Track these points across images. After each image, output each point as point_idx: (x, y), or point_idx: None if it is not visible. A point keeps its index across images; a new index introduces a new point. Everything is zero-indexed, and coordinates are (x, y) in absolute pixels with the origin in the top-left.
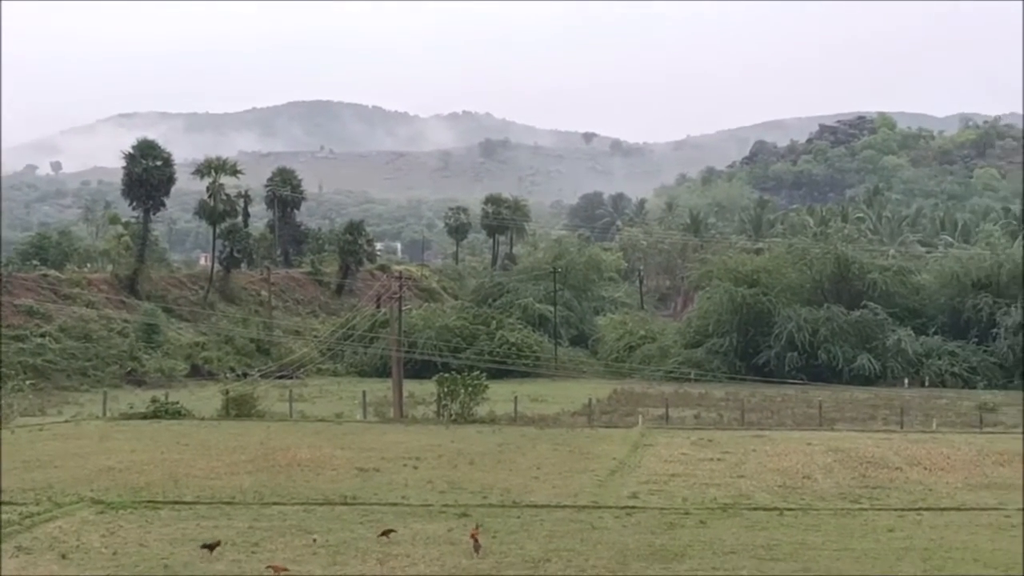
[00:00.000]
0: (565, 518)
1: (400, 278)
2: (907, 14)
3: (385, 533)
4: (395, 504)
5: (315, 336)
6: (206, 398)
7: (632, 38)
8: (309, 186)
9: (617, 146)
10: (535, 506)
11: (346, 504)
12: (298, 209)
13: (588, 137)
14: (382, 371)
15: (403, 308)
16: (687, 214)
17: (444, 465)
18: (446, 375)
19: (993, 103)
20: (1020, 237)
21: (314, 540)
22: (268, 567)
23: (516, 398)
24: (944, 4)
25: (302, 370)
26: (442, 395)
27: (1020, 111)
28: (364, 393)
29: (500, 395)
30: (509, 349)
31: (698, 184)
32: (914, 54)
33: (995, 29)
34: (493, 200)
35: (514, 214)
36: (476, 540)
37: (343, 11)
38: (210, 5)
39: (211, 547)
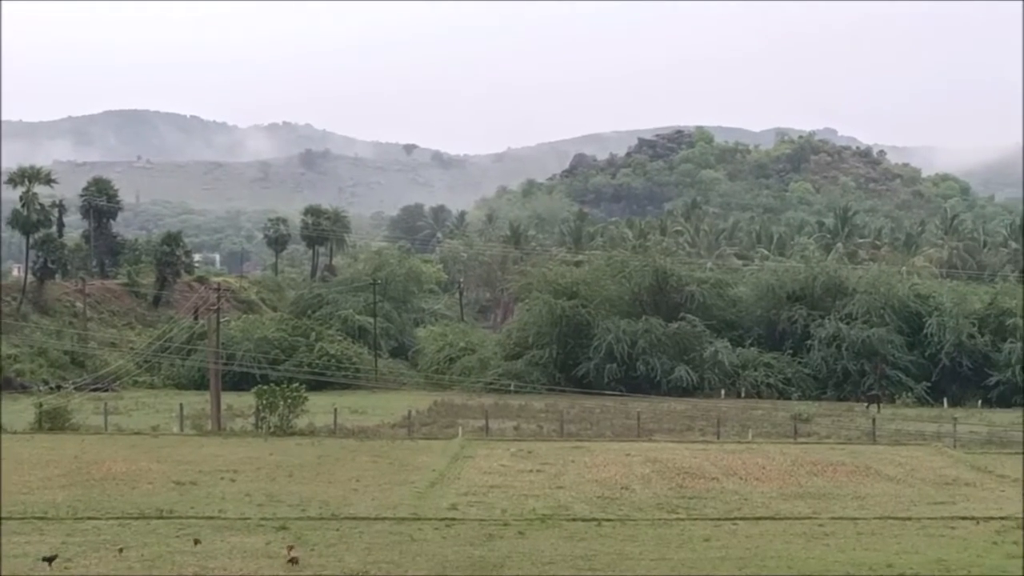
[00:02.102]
0: (384, 530)
1: (218, 289)
2: (722, 30)
3: (196, 541)
4: (212, 517)
5: (131, 348)
6: (19, 412)
7: (451, 49)
8: (126, 196)
9: (438, 158)
10: (354, 518)
11: (162, 518)
12: (114, 219)
13: (409, 149)
14: (200, 383)
15: (221, 320)
16: (507, 226)
17: (262, 478)
18: (265, 387)
19: (807, 119)
20: (833, 250)
21: (120, 550)
22: None
23: (336, 410)
24: (758, 21)
25: (118, 383)
26: (261, 407)
27: (833, 127)
28: (181, 406)
29: (320, 407)
30: (329, 361)
31: (518, 196)
32: (730, 69)
33: (810, 47)
34: (313, 211)
35: (334, 225)
36: (292, 554)
37: (159, 17)
38: (20, 6)
39: (50, 560)
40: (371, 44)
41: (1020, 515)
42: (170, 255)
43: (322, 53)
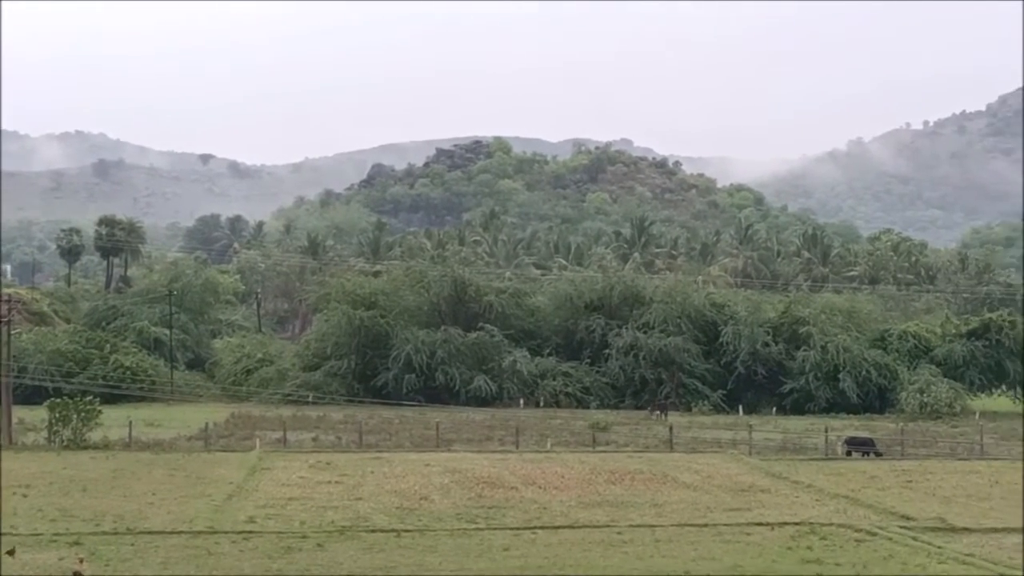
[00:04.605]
0: (180, 544)
1: (9, 301)
2: (517, 40)
3: (10, 552)
4: (4, 534)
5: None
6: None
7: (244, 56)
8: None
9: (235, 168)
10: (150, 532)
11: None
12: None
13: (205, 159)
14: None
15: (12, 332)
16: (305, 237)
17: (55, 492)
18: (58, 400)
19: (604, 130)
20: (630, 260)
21: None
22: None
23: (131, 423)
24: (553, 32)
25: None
26: (53, 421)
27: (629, 137)
28: None
29: (115, 420)
30: (124, 373)
31: (316, 207)
32: (527, 81)
33: (606, 59)
34: (107, 221)
35: (129, 236)
36: (77, 568)
37: None
38: None
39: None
40: (163, 50)
41: (813, 520)
42: None
43: (115, 58)
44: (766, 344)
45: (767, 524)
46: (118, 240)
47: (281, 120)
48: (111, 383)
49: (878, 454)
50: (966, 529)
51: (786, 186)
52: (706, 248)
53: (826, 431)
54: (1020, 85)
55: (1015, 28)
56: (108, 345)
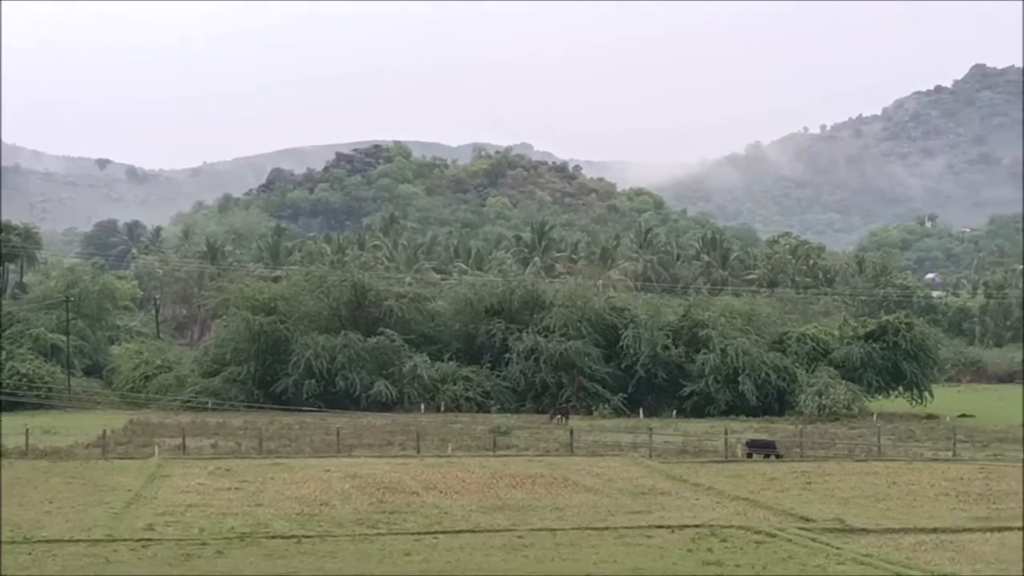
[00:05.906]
0: (79, 552)
1: None
2: (415, 48)
3: None
4: None
5: None
6: None
7: (138, 61)
8: None
9: (132, 173)
10: (47, 541)
11: None
12: None
13: (102, 163)
14: None
15: None
16: (204, 242)
17: None
18: None
19: (503, 134)
20: (531, 264)
21: None
22: None
23: (28, 431)
24: (450, 34)
25: None
26: None
27: (529, 142)
28: None
29: (11, 428)
30: (20, 380)
31: (215, 212)
32: (426, 85)
33: (504, 64)
34: (2, 227)
35: (25, 242)
36: None
37: None
38: None
39: None
40: (58, 48)
41: (713, 522)
42: None
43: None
44: (666, 347)
45: (667, 527)
46: (13, 246)
47: (179, 124)
48: (7, 391)
49: (778, 456)
50: (864, 530)
51: (685, 190)
52: (606, 252)
53: (726, 433)
54: (915, 90)
55: (912, 33)
56: (4, 352)
